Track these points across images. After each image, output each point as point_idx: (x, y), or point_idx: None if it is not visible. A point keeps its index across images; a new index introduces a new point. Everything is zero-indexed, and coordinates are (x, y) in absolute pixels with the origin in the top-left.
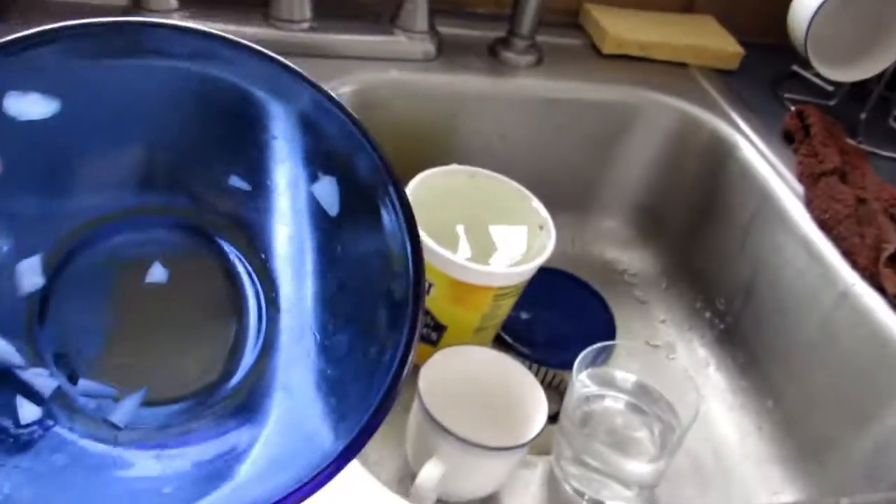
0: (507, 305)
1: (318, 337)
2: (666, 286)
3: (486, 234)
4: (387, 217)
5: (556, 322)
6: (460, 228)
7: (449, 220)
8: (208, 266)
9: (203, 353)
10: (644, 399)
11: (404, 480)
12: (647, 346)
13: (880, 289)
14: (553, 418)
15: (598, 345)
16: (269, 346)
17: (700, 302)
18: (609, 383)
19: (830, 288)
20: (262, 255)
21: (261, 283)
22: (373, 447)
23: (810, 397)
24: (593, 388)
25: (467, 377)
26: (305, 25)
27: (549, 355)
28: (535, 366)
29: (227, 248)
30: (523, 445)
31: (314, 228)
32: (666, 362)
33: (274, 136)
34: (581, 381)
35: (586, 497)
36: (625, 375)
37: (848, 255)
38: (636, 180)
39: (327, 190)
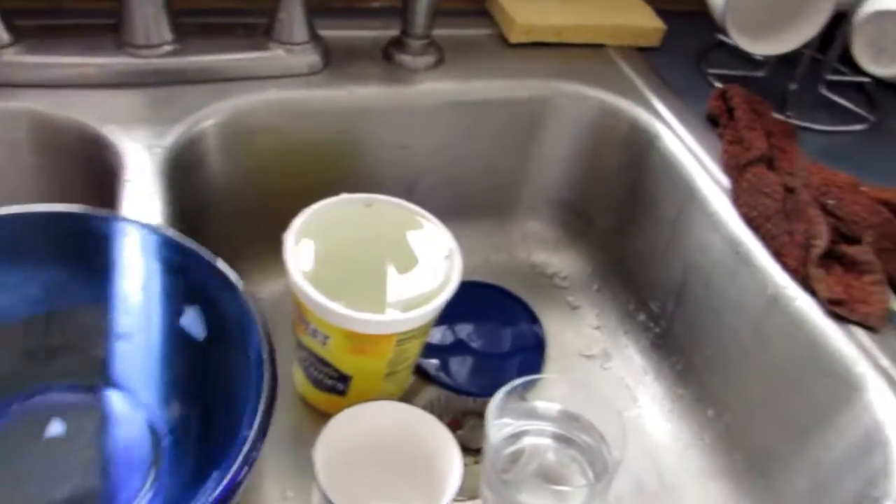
0: (415, 346)
1: None
2: (598, 288)
3: (384, 272)
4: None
5: (481, 342)
6: (356, 267)
7: (343, 258)
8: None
9: None
10: (572, 428)
11: None
12: (576, 362)
13: (812, 292)
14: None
15: (511, 385)
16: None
17: (633, 304)
18: (531, 415)
19: (761, 291)
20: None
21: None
22: None
23: (749, 407)
24: (513, 426)
25: (369, 441)
26: (165, 49)
27: (475, 382)
28: (462, 396)
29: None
30: None
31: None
32: (590, 385)
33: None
34: (498, 424)
35: None
36: (547, 406)
37: (777, 255)
38: (557, 177)
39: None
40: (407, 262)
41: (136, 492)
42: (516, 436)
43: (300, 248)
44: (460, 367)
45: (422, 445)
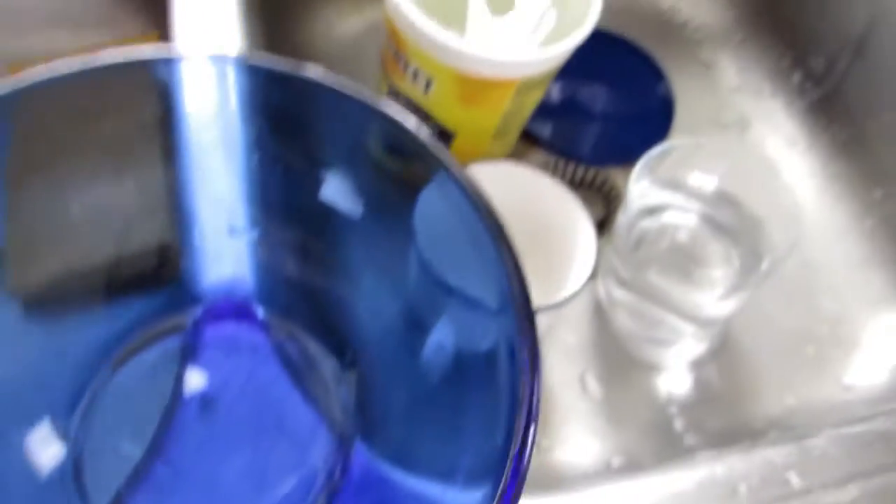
0: (534, 98)
1: None
2: (742, 40)
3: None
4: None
5: (597, 103)
6: None
7: None
8: None
9: None
10: (723, 210)
11: None
12: (708, 129)
13: None
14: (597, 226)
15: (657, 149)
16: None
17: (788, 60)
18: (677, 187)
19: None
20: None
21: None
22: None
23: None
24: (653, 198)
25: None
26: None
27: (590, 148)
28: (570, 164)
29: None
30: (563, 302)
31: None
32: (754, 162)
33: None
34: (638, 190)
35: (641, 334)
36: (700, 179)
37: None
38: None
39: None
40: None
41: None
42: (655, 209)
43: None
44: (573, 130)
45: (545, 217)
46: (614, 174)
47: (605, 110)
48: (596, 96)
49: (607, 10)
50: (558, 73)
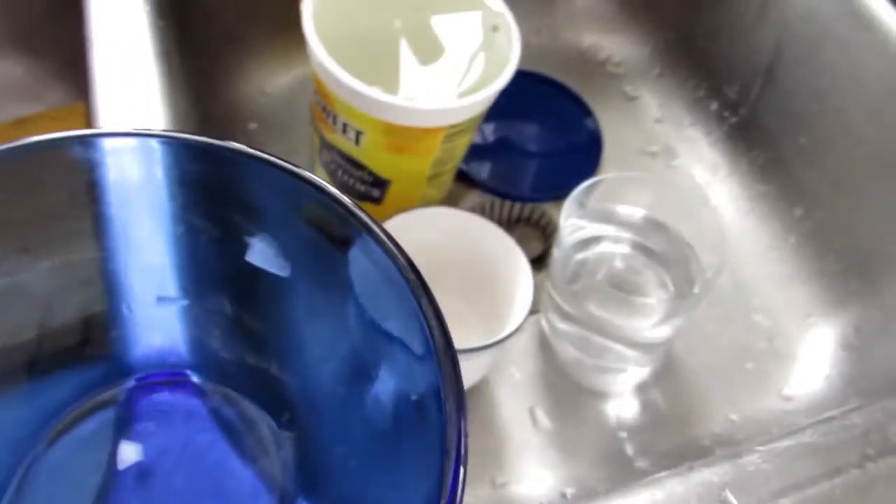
0: (464, 142)
1: None
2: (659, 73)
3: (426, 51)
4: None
5: (526, 142)
6: (388, 47)
7: (374, 35)
8: None
9: None
10: (654, 238)
11: None
12: (637, 160)
13: None
14: (537, 261)
15: (584, 185)
16: None
17: (704, 90)
18: (607, 219)
19: (886, 61)
20: None
21: None
22: None
23: (852, 202)
24: (586, 232)
25: (419, 257)
26: None
27: (524, 185)
28: (507, 203)
29: None
30: (506, 338)
31: None
32: (679, 189)
33: None
34: (569, 226)
35: (587, 363)
36: (629, 209)
37: None
38: None
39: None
40: (449, 39)
41: None
42: (588, 241)
43: (321, 20)
44: (507, 170)
45: (482, 258)
46: (550, 209)
47: (537, 148)
48: (528, 135)
49: (533, 52)
50: (490, 115)
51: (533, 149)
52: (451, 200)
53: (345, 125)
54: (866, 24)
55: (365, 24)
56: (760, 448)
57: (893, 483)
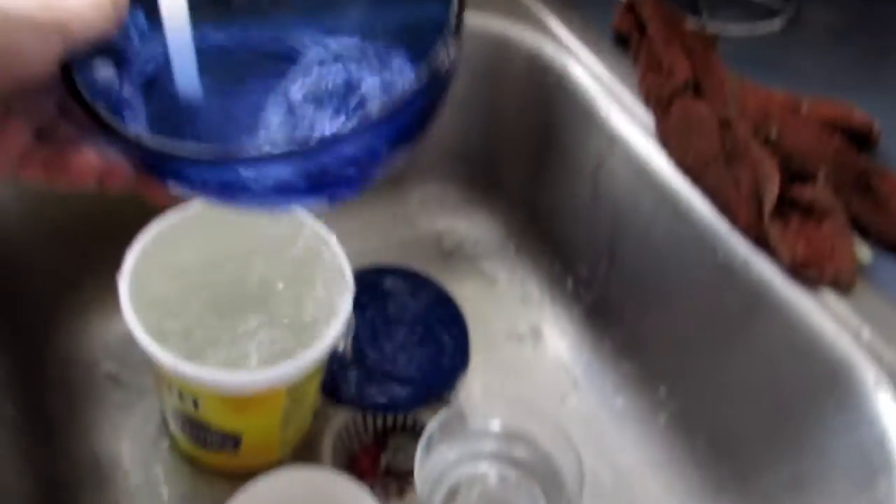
0: (312, 387)
1: None
2: (516, 251)
3: (258, 302)
4: None
5: (389, 349)
6: (218, 301)
7: (202, 289)
8: None
9: None
10: (518, 449)
11: None
12: (504, 346)
13: (769, 249)
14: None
15: (431, 426)
16: None
17: (559, 267)
18: (468, 439)
19: (710, 256)
20: None
21: None
22: None
23: (713, 387)
24: (444, 462)
25: None
26: None
27: (393, 395)
28: (378, 415)
29: None
30: None
31: None
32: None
33: None
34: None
35: None
36: (490, 425)
37: (725, 211)
38: (453, 129)
39: None
40: (282, 284)
41: None
42: (450, 468)
43: (143, 288)
44: (372, 381)
45: None
46: (424, 414)
47: (401, 353)
48: (390, 342)
49: (389, 245)
50: (344, 331)
51: (397, 355)
52: (320, 419)
53: (180, 393)
54: (685, 216)
55: (192, 283)
56: None
57: None
